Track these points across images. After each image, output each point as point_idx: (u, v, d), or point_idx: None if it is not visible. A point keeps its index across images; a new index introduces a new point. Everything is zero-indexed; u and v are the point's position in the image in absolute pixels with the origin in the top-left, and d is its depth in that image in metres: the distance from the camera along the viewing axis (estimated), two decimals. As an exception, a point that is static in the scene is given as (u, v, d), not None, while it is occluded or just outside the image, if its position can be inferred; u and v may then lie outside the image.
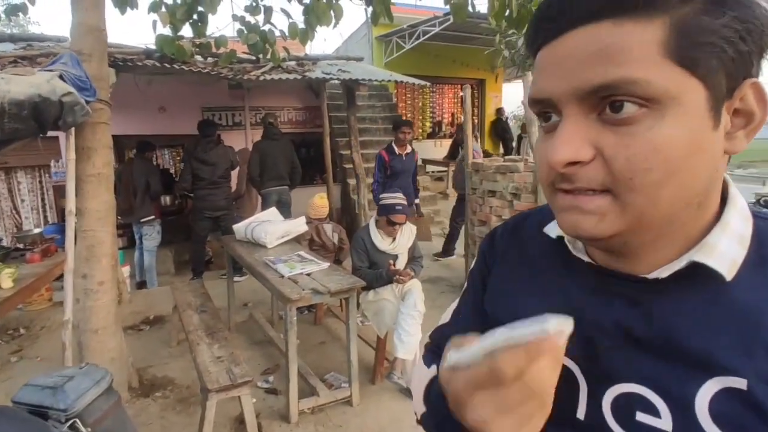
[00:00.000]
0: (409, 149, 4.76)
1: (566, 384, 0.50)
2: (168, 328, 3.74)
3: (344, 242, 3.83)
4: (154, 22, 3.68)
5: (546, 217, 0.60)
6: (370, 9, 3.72)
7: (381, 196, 3.24)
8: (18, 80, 1.93)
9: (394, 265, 3.03)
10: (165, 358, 3.33)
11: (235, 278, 4.36)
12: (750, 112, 0.41)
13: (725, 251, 0.43)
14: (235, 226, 3.64)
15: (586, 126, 0.41)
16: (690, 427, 0.42)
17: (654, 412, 0.44)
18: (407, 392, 2.81)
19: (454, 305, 0.72)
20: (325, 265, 2.88)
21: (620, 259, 0.47)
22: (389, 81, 5.55)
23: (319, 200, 3.86)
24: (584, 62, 0.39)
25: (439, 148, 9.54)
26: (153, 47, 4.32)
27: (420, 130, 9.83)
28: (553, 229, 0.57)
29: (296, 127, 7.20)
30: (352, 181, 6.42)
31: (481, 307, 0.64)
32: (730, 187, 0.47)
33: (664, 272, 0.44)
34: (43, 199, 5.94)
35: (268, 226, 3.34)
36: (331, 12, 3.77)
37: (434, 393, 0.61)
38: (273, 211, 3.87)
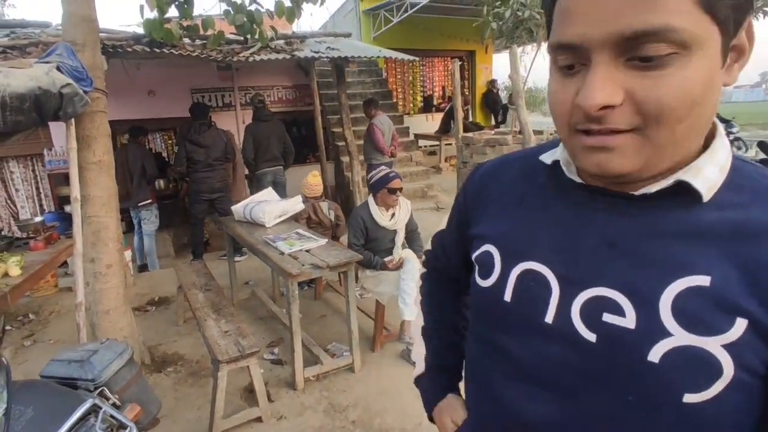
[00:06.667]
0: None
1: (538, 290, 0.56)
2: (173, 308, 3.87)
3: (340, 219, 3.94)
4: (141, 7, 3.68)
5: (528, 155, 0.67)
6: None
7: (369, 176, 3.32)
8: (17, 73, 1.98)
9: (393, 240, 3.19)
10: (173, 336, 3.47)
11: (235, 258, 4.48)
12: (743, 46, 0.46)
13: (709, 175, 0.48)
14: (234, 207, 3.73)
15: (615, 70, 0.43)
16: (651, 322, 0.47)
17: (620, 312, 0.49)
18: (408, 357, 2.97)
19: (449, 215, 0.84)
20: (323, 241, 3.00)
21: (613, 185, 0.52)
22: (379, 57, 5.55)
23: (313, 179, 3.94)
24: (625, 5, 0.41)
25: (431, 123, 9.57)
26: (139, 30, 4.32)
27: (411, 105, 9.82)
28: (548, 157, 0.61)
29: (287, 106, 7.20)
30: (345, 159, 6.48)
31: (458, 225, 0.77)
32: (717, 123, 0.52)
33: (652, 188, 0.50)
34: (38, 188, 5.98)
35: (266, 206, 3.44)
36: (318, -11, 3.78)
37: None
38: (269, 191, 3.95)
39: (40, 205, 5.94)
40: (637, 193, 0.50)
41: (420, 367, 0.88)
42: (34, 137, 5.21)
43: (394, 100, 8.81)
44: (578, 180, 0.56)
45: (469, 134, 4.67)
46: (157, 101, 6.27)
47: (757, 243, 0.46)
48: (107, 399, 1.42)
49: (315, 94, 6.38)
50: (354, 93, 7.85)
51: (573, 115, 0.47)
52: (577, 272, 0.53)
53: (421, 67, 9.86)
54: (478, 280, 0.64)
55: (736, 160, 0.52)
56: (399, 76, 9.63)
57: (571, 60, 0.46)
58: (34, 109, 2.02)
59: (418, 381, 0.89)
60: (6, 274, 2.97)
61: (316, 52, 5.03)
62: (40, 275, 3.38)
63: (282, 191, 5.15)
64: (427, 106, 9.98)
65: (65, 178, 5.48)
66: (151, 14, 3.86)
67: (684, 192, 0.49)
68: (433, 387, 0.87)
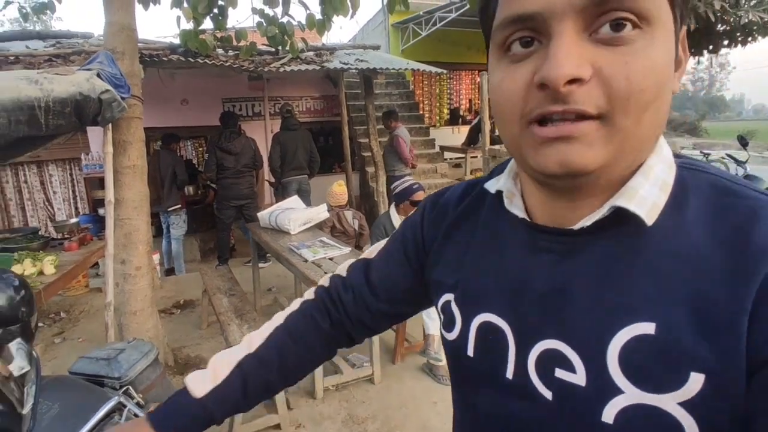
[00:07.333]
0: None
1: (496, 344, 0.51)
2: (198, 312, 3.93)
3: (364, 228, 3.94)
4: (178, 18, 3.82)
5: (480, 182, 0.60)
6: (386, -3, 3.79)
7: (393, 186, 3.34)
8: (60, 79, 2.07)
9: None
10: (196, 339, 3.52)
11: (259, 264, 4.53)
12: (680, 56, 0.43)
13: (646, 196, 0.42)
14: (260, 214, 3.79)
15: (580, 44, 0.38)
16: (601, 378, 0.42)
17: (570, 367, 0.44)
18: (428, 371, 2.93)
19: (381, 244, 0.73)
20: (347, 250, 3.00)
21: (559, 211, 0.47)
22: (406, 69, 5.59)
23: (338, 188, 3.96)
24: None
25: (457, 135, 9.54)
26: (175, 41, 4.47)
27: (437, 117, 9.83)
28: (493, 185, 0.56)
29: (314, 116, 7.31)
30: (370, 169, 6.51)
31: (402, 260, 0.67)
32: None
33: (588, 221, 0.44)
34: (74, 191, 6.19)
35: (291, 213, 3.47)
36: (348, 2, 3.85)
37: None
38: (295, 199, 4.00)
39: (76, 208, 6.15)
40: (575, 227, 0.45)
41: (199, 384, 0.63)
42: (72, 142, 5.42)
43: (421, 112, 8.84)
44: (520, 215, 0.50)
45: (496, 147, 4.63)
46: (189, 110, 6.44)
47: (701, 273, 0.39)
48: (132, 398, 1.44)
49: (342, 105, 6.46)
50: (381, 104, 7.90)
51: (528, 102, 0.40)
52: (529, 323, 0.48)
53: (449, 80, 9.86)
54: (444, 333, 0.60)
55: (684, 170, 0.45)
56: (426, 89, 9.66)
57: (527, 34, 0.40)
58: (74, 114, 2.11)
59: (179, 394, 0.64)
60: (41, 273, 3.07)
61: (345, 64, 5.10)
62: (72, 275, 3.49)
63: (307, 199, 5.20)
64: (454, 119, 9.96)
65: (100, 182, 5.67)
66: (188, 25, 4.00)
67: (626, 220, 0.42)
68: (179, 412, 0.63)
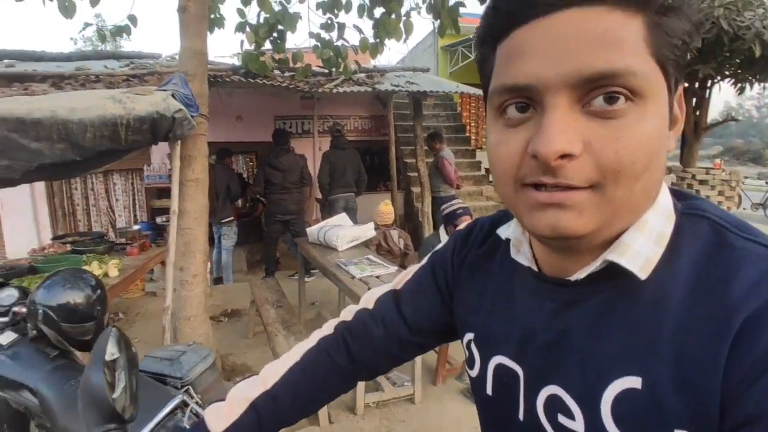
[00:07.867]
0: None
1: (510, 386, 0.53)
2: (244, 321, 4.07)
3: (409, 248, 3.98)
4: (242, 42, 4.07)
5: (494, 221, 0.63)
6: (437, 22, 3.88)
7: (442, 208, 3.39)
8: (140, 99, 2.27)
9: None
10: (243, 348, 3.63)
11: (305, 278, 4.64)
12: (676, 115, 0.43)
13: (640, 250, 0.42)
14: (309, 229, 3.91)
15: (573, 117, 0.38)
16: (596, 428, 0.43)
17: (569, 414, 0.46)
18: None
19: (407, 274, 0.74)
20: (393, 268, 3.04)
21: (560, 262, 0.48)
22: (456, 92, 5.67)
23: (385, 207, 4.04)
24: (586, 45, 0.37)
25: (502, 157, 9.49)
26: (232, 61, 4.75)
27: (484, 140, 9.82)
28: (504, 231, 0.58)
29: (362, 136, 7.47)
30: (416, 189, 6.57)
31: (434, 291, 0.68)
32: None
33: (582, 273, 0.45)
34: (134, 199, 6.58)
35: (339, 231, 3.56)
36: (401, 26, 3.97)
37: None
38: (343, 216, 4.10)
39: (135, 215, 6.53)
40: (572, 278, 0.46)
41: (217, 419, 0.66)
42: (137, 153, 5.80)
43: (467, 134, 8.87)
44: (526, 264, 0.53)
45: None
46: (243, 126, 6.75)
47: (683, 328, 0.39)
48: (191, 397, 1.52)
49: (391, 125, 6.58)
50: (428, 125, 7.99)
51: (522, 168, 0.41)
52: (535, 369, 0.50)
53: (496, 103, 9.87)
54: (467, 369, 0.62)
55: (684, 218, 0.44)
56: (473, 111, 9.69)
57: (522, 101, 0.41)
58: (150, 131, 2.29)
59: (199, 426, 0.68)
60: (106, 275, 3.29)
61: (396, 86, 5.22)
62: (132, 278, 3.70)
63: (353, 217, 5.31)
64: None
65: (158, 192, 6.01)
66: (249, 48, 4.26)
67: (620, 272, 0.43)
68: None
